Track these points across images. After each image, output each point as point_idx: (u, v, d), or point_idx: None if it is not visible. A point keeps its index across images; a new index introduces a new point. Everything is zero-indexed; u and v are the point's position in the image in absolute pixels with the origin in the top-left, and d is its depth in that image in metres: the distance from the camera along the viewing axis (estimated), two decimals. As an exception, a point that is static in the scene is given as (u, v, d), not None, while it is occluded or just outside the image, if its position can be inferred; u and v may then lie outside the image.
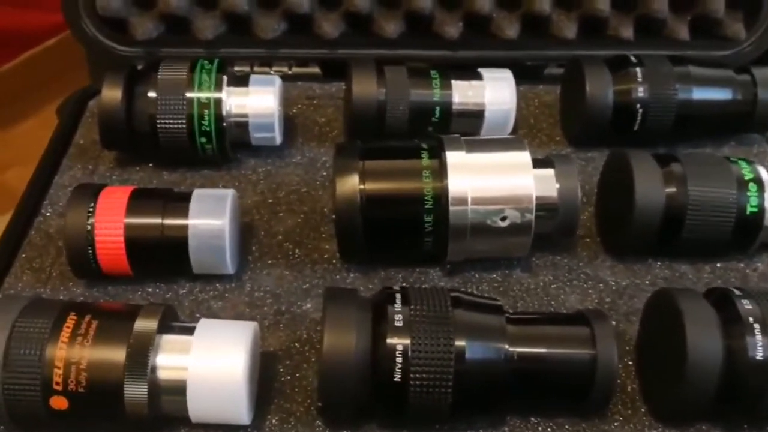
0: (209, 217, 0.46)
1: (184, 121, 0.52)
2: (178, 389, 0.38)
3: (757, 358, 0.39)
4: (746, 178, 0.49)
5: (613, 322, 0.47)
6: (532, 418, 0.42)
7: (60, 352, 0.37)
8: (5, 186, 1.22)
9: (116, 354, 0.37)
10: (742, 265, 0.51)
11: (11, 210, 0.89)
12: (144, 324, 0.39)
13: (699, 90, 0.57)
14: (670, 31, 0.67)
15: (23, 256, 0.50)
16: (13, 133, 1.36)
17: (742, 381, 0.40)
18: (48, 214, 0.52)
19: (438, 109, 0.56)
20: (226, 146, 0.54)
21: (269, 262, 0.50)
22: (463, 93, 0.57)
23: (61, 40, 1.40)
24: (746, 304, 0.41)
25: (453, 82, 0.57)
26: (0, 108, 1.36)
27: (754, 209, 0.49)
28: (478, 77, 0.58)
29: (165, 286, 0.48)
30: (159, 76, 0.53)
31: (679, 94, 0.56)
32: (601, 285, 0.50)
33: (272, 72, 0.65)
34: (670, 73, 0.57)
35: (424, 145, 0.48)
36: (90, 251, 0.45)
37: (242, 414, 0.39)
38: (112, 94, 0.52)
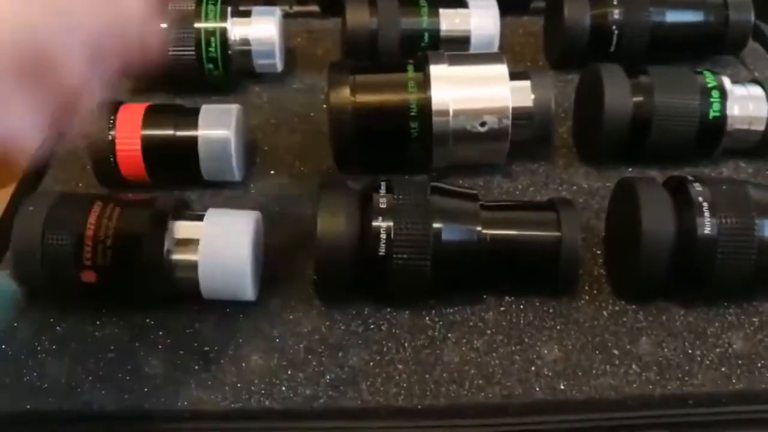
0: (217, 128, 0.51)
1: (193, 49, 0.57)
2: (191, 268, 0.44)
3: (706, 233, 0.44)
4: (709, 86, 0.54)
5: (586, 219, 0.52)
6: (507, 297, 0.47)
7: (89, 232, 0.43)
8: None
9: (137, 235, 0.43)
10: (707, 169, 0.55)
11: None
12: (160, 210, 0.44)
13: (672, 12, 0.61)
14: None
15: (52, 171, 0.55)
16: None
17: (694, 256, 0.44)
18: (73, 134, 0.58)
19: (427, 35, 0.61)
20: (231, 72, 0.59)
21: (272, 172, 0.55)
22: (450, 20, 0.62)
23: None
24: (697, 187, 0.45)
25: (440, 10, 0.62)
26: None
27: (717, 114, 0.53)
28: (464, 5, 0.62)
29: (179, 192, 0.53)
30: (169, 9, 0.58)
31: (653, 17, 0.60)
32: (575, 187, 0.54)
33: (274, 9, 0.70)
34: (645, -5, 0.61)
35: (410, 60, 0.53)
36: (112, 159, 0.51)
37: (248, 290, 0.44)
38: (127, 25, 0.57)
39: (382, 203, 0.44)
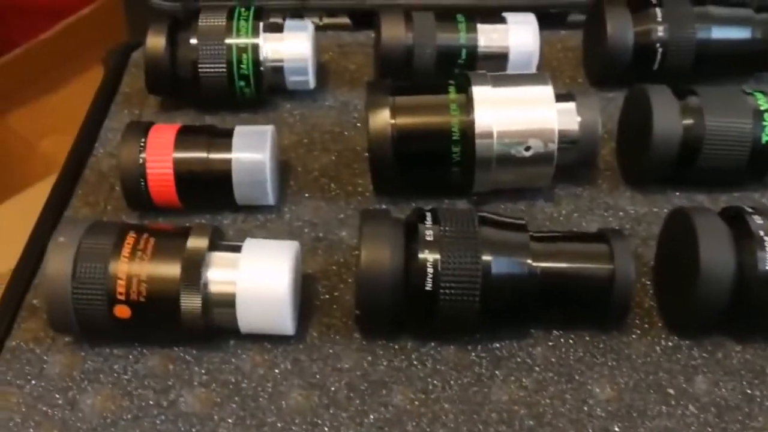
0: (251, 151, 0.49)
1: (224, 66, 0.56)
2: (228, 302, 0.42)
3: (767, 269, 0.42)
4: (762, 108, 0.51)
5: (633, 246, 0.50)
6: (555, 331, 0.45)
7: (122, 265, 0.41)
8: (43, 153, 1.27)
9: (172, 268, 0.41)
10: (757, 194, 0.53)
11: (48, 176, 0.94)
12: (196, 241, 0.42)
13: (718, 29, 0.59)
14: (693, -28, 0.68)
15: (80, 192, 0.53)
16: (50, 102, 1.40)
17: (753, 292, 0.42)
18: (100, 153, 0.56)
19: (464, 51, 0.59)
20: (262, 90, 0.57)
21: (306, 195, 0.53)
22: (487, 36, 0.59)
23: (96, 9, 1.44)
24: (758, 220, 0.43)
25: (478, 25, 0.59)
26: (38, 77, 1.41)
27: (770, 138, 0.51)
28: (503, 21, 0.60)
29: (211, 217, 0.51)
30: (200, 24, 0.56)
31: (699, 34, 0.58)
32: (621, 213, 0.52)
33: (304, 21, 0.68)
34: (690, 12, 0.59)
35: (452, 81, 0.51)
36: (142, 183, 0.49)
37: (287, 324, 0.42)
38: (156, 41, 0.56)
39: (429, 235, 0.42)
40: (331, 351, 0.44)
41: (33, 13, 1.40)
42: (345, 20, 0.69)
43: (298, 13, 0.69)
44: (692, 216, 0.43)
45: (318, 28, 0.67)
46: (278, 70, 0.58)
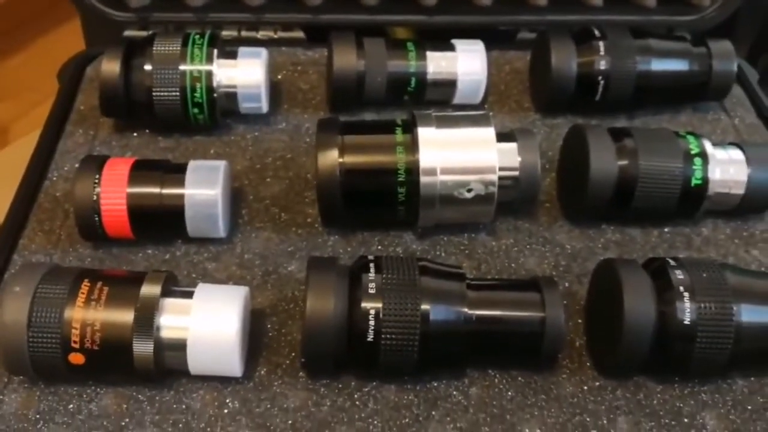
0: (203, 187, 0.51)
1: (177, 93, 0.56)
2: (180, 346, 0.44)
3: (685, 322, 0.45)
4: (692, 152, 0.54)
5: (566, 284, 0.53)
6: (490, 371, 0.48)
7: (77, 314, 0.43)
8: (-5, 119, 1.25)
9: (125, 316, 0.43)
10: (687, 230, 0.56)
11: (4, 148, 0.93)
12: (149, 289, 0.44)
13: (658, 62, 0.61)
14: (638, -2, 0.71)
15: (34, 218, 0.54)
16: (2, 67, 1.38)
17: (672, 342, 0.45)
18: (54, 178, 0.57)
19: (414, 79, 0.61)
20: (216, 115, 0.58)
21: (258, 225, 0.55)
22: (437, 64, 0.61)
23: (50, -26, 1.41)
24: (679, 274, 0.46)
25: (428, 53, 0.61)
26: (-10, 42, 1.38)
27: (698, 182, 0.54)
28: (452, 48, 0.62)
29: (163, 248, 0.53)
30: (154, 50, 0.57)
31: (639, 66, 0.61)
32: (557, 249, 0.55)
33: (259, 36, 0.69)
34: (631, 46, 0.61)
35: (398, 121, 0.53)
36: (96, 218, 0.50)
37: (235, 368, 0.45)
38: (111, 67, 0.56)
39: (371, 288, 0.44)
40: (278, 391, 0.46)
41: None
42: (300, 34, 0.70)
43: (253, 27, 0.69)
44: (618, 269, 0.46)
45: (273, 42, 0.68)
46: (231, 96, 0.59)
